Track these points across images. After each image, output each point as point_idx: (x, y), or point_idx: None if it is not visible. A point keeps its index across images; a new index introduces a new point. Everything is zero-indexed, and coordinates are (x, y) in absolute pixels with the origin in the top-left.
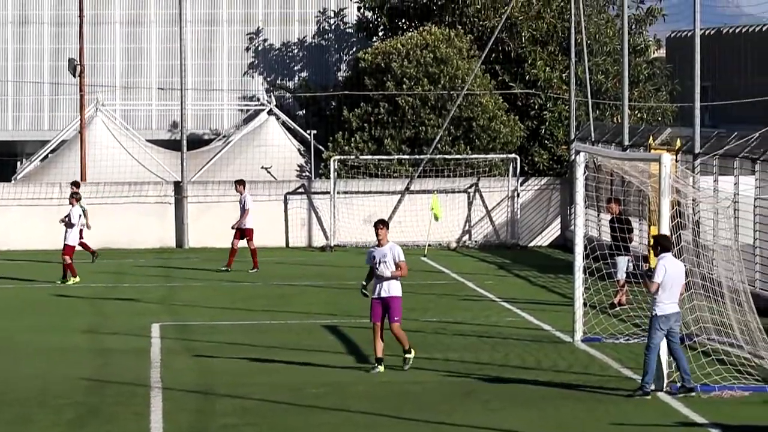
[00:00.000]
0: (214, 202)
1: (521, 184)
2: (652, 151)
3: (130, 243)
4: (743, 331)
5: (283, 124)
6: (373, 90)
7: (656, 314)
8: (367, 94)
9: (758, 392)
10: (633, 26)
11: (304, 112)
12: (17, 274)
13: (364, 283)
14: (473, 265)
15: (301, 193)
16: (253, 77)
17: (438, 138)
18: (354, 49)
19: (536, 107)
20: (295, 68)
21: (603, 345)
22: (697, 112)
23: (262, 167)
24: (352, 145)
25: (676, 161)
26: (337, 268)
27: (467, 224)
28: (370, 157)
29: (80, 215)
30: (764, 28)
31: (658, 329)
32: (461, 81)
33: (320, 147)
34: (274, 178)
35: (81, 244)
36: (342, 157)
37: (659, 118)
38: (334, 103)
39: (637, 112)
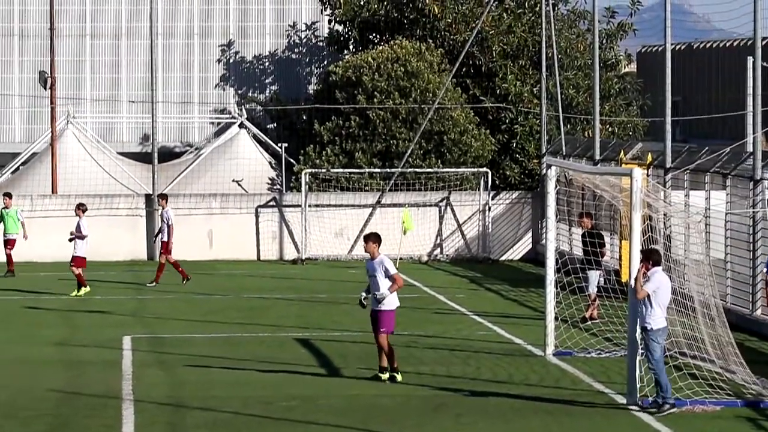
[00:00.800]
0: (186, 215)
1: (492, 198)
2: (624, 165)
3: (101, 255)
4: (715, 345)
5: (255, 137)
6: (344, 103)
7: (652, 328)
8: (338, 107)
9: (730, 407)
10: (604, 41)
11: (275, 125)
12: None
13: (364, 294)
14: (445, 278)
15: (272, 206)
16: (224, 89)
17: (409, 152)
18: (325, 63)
19: (507, 121)
20: (267, 81)
21: (575, 359)
22: (668, 127)
23: (234, 180)
24: (324, 158)
25: (648, 176)
26: (308, 281)
27: (438, 238)
28: (341, 170)
29: (87, 226)
30: (735, 44)
31: (656, 342)
32: (432, 95)
33: (291, 160)
34: (245, 191)
35: (8, 255)
36: (313, 170)
37: (630, 133)
38: (305, 117)
39: (608, 126)
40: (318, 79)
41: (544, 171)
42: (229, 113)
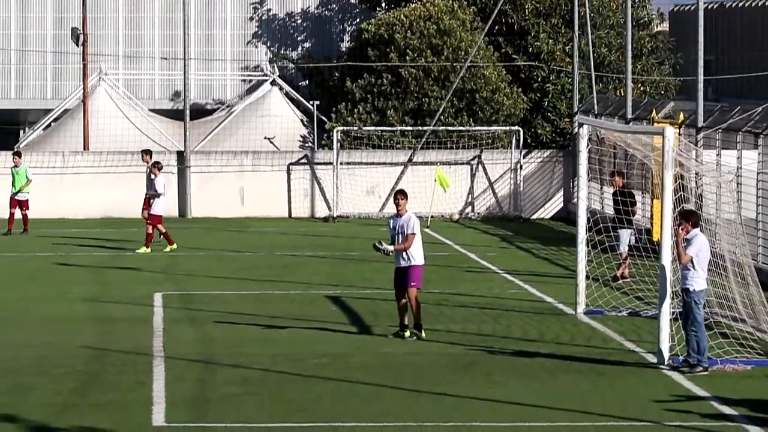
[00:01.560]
0: (217, 172)
1: (524, 157)
2: (656, 124)
3: (132, 212)
4: (746, 304)
5: (287, 94)
6: (376, 61)
7: (694, 290)
8: (370, 65)
9: (760, 366)
10: None
11: (307, 82)
12: (18, 243)
13: (383, 242)
14: (476, 237)
15: (303, 164)
16: (256, 47)
17: (441, 110)
18: (357, 20)
19: (539, 80)
20: (299, 39)
21: (605, 318)
22: (701, 86)
23: (265, 137)
24: (355, 116)
25: (679, 135)
26: (339, 239)
27: (470, 196)
28: (373, 128)
29: (164, 184)
30: None
31: (698, 303)
32: (464, 53)
33: (323, 118)
34: (277, 148)
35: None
36: (345, 128)
37: (662, 92)
38: (337, 74)
39: (640, 85)
40: (350, 36)
41: (576, 130)
42: (261, 70)
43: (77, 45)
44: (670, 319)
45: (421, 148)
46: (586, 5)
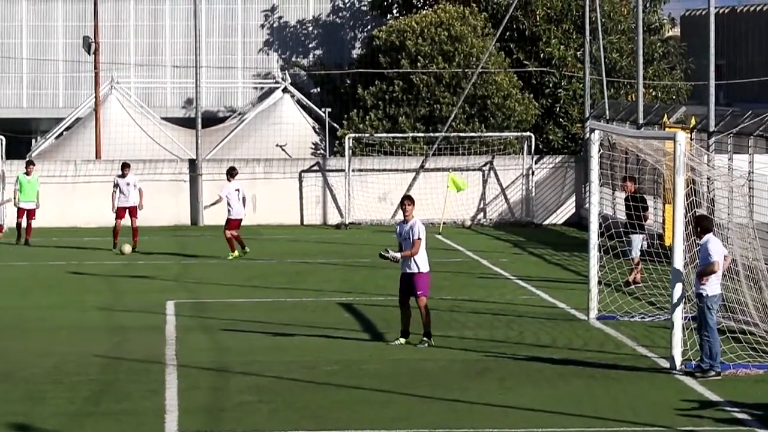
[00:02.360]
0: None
1: (536, 162)
2: (667, 129)
3: (144, 221)
4: (758, 309)
5: (298, 101)
6: (387, 68)
7: (707, 294)
8: (381, 72)
9: None
10: (647, 4)
11: (318, 90)
12: (30, 252)
13: (389, 249)
14: (488, 243)
15: (315, 171)
16: (268, 54)
17: (453, 116)
18: (369, 27)
19: (551, 85)
20: (310, 46)
21: (618, 323)
22: (712, 91)
23: (277, 145)
24: (367, 123)
25: (691, 139)
26: (352, 246)
27: (482, 202)
28: (384, 135)
29: (237, 189)
30: None
31: (711, 309)
32: (476, 59)
33: (335, 125)
34: (289, 155)
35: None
36: (357, 135)
37: (674, 97)
38: (348, 81)
39: (651, 90)
40: (362, 43)
41: (588, 135)
42: (273, 78)
43: (89, 54)
44: (683, 324)
45: (433, 155)
46: (598, 11)
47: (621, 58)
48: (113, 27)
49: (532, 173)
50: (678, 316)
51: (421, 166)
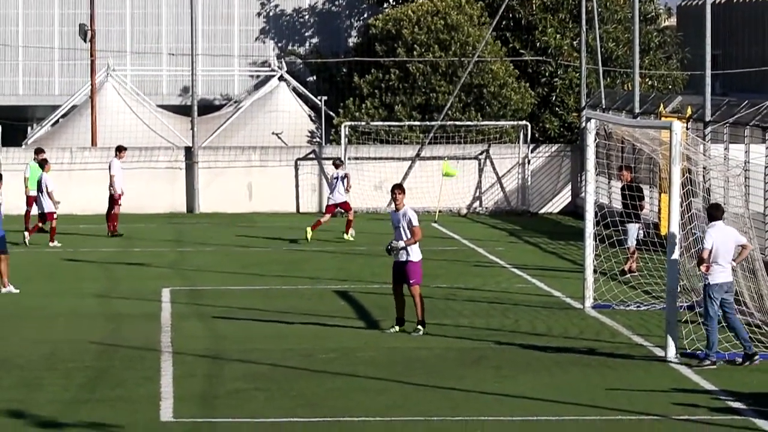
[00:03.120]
0: (225, 168)
1: (532, 151)
2: (663, 118)
3: (140, 208)
4: (754, 298)
5: (294, 90)
6: (383, 56)
7: (708, 283)
8: (377, 60)
9: None
10: None
11: (314, 78)
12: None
13: (391, 242)
14: (484, 231)
15: (311, 159)
16: (264, 42)
17: (449, 105)
18: (365, 16)
19: (547, 74)
20: (306, 34)
21: (613, 312)
22: (708, 80)
23: (273, 133)
24: (363, 111)
25: (687, 129)
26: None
27: (478, 191)
28: (380, 123)
29: (344, 177)
30: None
31: (713, 298)
32: (472, 48)
33: (331, 113)
34: (285, 143)
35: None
36: (353, 123)
37: (670, 86)
38: (345, 70)
39: (647, 79)
40: (358, 32)
41: (584, 124)
42: (269, 66)
43: (85, 41)
44: (677, 313)
45: (429, 143)
46: (594, 0)
47: (617, 48)
48: (109, 14)
49: (528, 162)
50: (673, 305)
51: (417, 155)
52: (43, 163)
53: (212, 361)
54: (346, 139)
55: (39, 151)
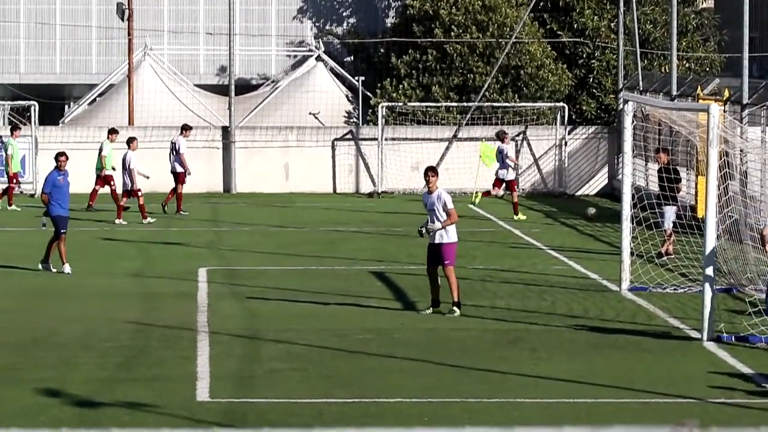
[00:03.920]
0: (262, 148)
1: (569, 133)
2: (701, 101)
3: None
4: None
5: (332, 70)
6: (421, 37)
7: None
8: (415, 41)
9: None
10: None
11: (352, 58)
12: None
13: (426, 224)
14: (521, 213)
15: (348, 140)
16: (301, 22)
17: (486, 86)
18: None
19: (584, 56)
20: (344, 14)
21: (650, 294)
22: (746, 63)
23: (310, 113)
24: (400, 92)
25: (724, 111)
26: (384, 215)
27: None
28: (417, 104)
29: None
30: None
31: None
32: (509, 29)
33: (368, 93)
34: (322, 124)
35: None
36: (390, 103)
37: (707, 69)
38: (382, 50)
39: (685, 62)
40: (395, 12)
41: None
42: (307, 46)
43: (122, 20)
44: (713, 296)
45: (466, 124)
46: None
47: (655, 30)
48: None
49: (565, 144)
50: (709, 288)
51: (454, 136)
52: (129, 142)
53: (248, 341)
54: (383, 120)
55: (113, 131)
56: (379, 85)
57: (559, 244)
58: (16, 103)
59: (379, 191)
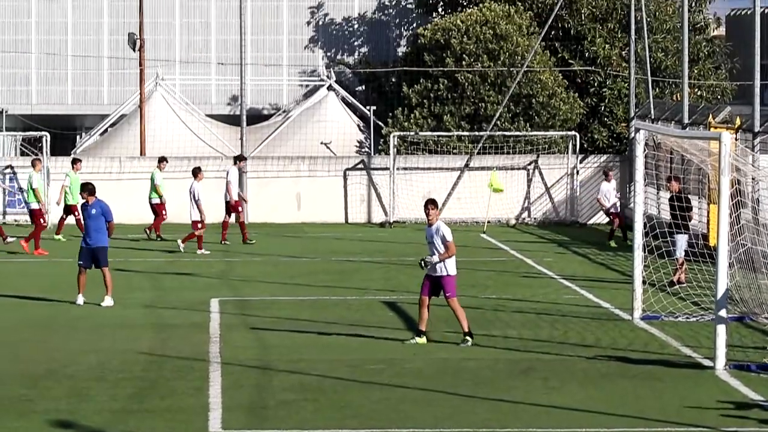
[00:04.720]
0: (274, 177)
1: (581, 162)
2: (712, 129)
3: (189, 218)
4: None
5: (343, 99)
6: (432, 66)
7: None
8: (426, 70)
9: None
10: (693, 4)
11: (363, 87)
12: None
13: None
14: (532, 242)
15: (360, 169)
16: (313, 52)
17: (497, 115)
18: (414, 25)
19: (596, 84)
20: (356, 43)
21: (662, 323)
22: (757, 91)
23: (322, 143)
24: (412, 121)
25: (736, 139)
26: (396, 245)
27: (526, 201)
28: (429, 133)
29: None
30: None
31: None
32: (521, 58)
33: (380, 123)
34: (334, 153)
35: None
36: (401, 133)
37: (719, 97)
38: (393, 79)
39: (696, 90)
40: (407, 41)
41: (633, 134)
42: (318, 75)
43: (134, 50)
44: (727, 325)
45: (478, 153)
46: (643, 10)
47: (666, 58)
48: (159, 24)
49: (577, 172)
50: (722, 317)
51: (466, 165)
52: (195, 173)
53: (261, 371)
54: (395, 149)
55: (163, 159)
56: (390, 114)
57: (571, 273)
58: (28, 133)
59: (391, 221)
